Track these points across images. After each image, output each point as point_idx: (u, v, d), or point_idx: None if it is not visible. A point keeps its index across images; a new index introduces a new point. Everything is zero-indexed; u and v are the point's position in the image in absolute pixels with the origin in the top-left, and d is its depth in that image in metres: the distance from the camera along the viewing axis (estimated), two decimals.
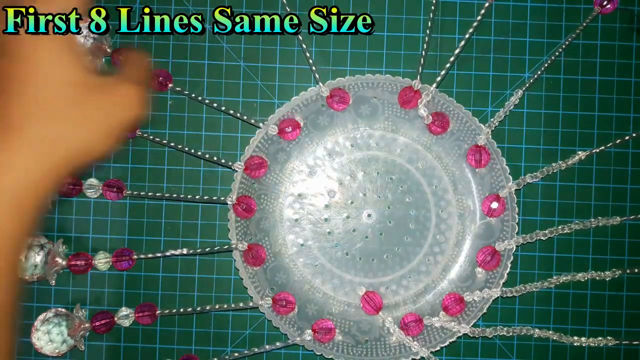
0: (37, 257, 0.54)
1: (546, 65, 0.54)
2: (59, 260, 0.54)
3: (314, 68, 0.54)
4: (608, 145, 0.54)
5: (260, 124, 0.54)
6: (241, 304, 0.54)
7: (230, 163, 0.54)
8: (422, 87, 0.53)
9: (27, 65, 0.40)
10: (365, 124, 0.55)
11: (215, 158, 0.54)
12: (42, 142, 0.40)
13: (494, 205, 0.53)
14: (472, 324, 0.53)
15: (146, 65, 0.47)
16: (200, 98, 0.54)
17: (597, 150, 0.54)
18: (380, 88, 0.54)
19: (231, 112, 0.54)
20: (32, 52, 0.40)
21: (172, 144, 0.54)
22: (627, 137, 0.55)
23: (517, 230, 0.54)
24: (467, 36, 0.54)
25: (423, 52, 0.53)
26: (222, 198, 0.54)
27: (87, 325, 0.53)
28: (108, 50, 0.54)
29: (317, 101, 0.54)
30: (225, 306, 0.54)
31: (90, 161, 0.43)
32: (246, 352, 0.54)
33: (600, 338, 0.54)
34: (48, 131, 0.40)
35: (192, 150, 0.54)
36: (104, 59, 0.55)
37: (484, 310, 0.53)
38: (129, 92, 0.45)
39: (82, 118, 0.42)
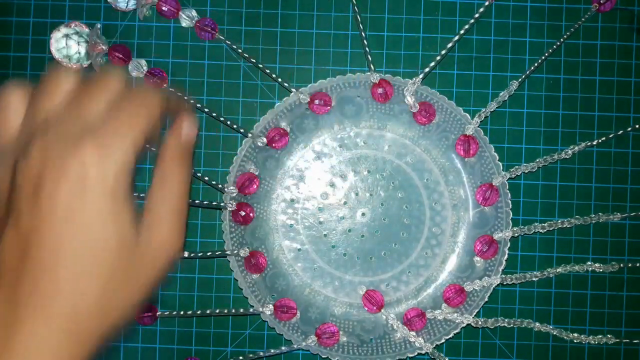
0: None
1: (542, 59, 0.54)
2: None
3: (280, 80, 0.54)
4: (609, 136, 0.55)
5: (249, 133, 0.53)
6: (242, 310, 0.54)
7: (220, 185, 0.54)
8: (405, 81, 0.53)
9: (65, 227, 0.33)
10: (351, 123, 0.54)
11: (206, 178, 0.54)
12: (74, 317, 0.34)
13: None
14: (474, 314, 0.53)
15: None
16: (186, 98, 0.54)
17: (596, 142, 0.54)
18: (363, 86, 0.54)
19: (214, 114, 0.54)
20: (71, 213, 0.33)
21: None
22: (628, 129, 0.55)
23: (511, 216, 0.54)
24: (456, 37, 0.54)
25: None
26: (222, 203, 0.53)
27: None
28: (104, 47, 0.54)
29: (300, 105, 0.54)
30: (226, 311, 0.54)
31: (122, 326, 0.37)
32: (262, 353, 0.54)
33: (600, 336, 0.54)
34: (80, 306, 0.34)
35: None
36: (104, 59, 0.55)
37: (485, 299, 0.53)
38: (162, 244, 0.37)
39: (117, 285, 0.36)
